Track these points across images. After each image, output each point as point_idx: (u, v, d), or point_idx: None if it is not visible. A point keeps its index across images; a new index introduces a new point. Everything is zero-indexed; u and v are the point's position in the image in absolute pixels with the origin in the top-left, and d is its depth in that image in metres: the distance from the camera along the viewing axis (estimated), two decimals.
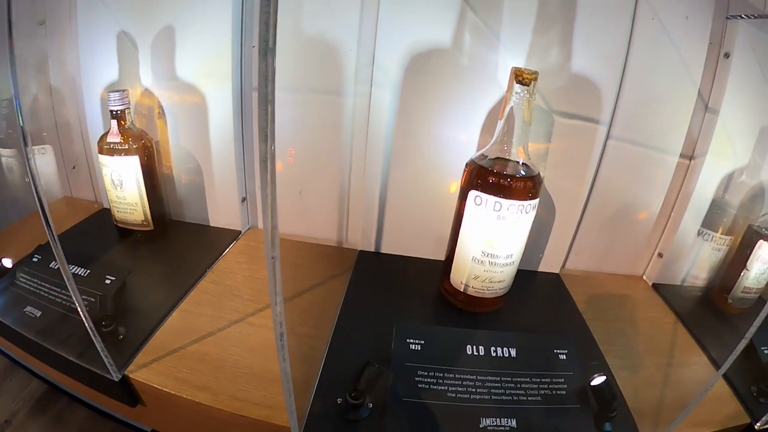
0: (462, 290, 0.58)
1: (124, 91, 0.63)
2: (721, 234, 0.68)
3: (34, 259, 0.64)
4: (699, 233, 0.69)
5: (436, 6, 0.55)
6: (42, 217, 0.35)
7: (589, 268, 0.74)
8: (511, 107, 0.50)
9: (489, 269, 0.56)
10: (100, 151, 0.65)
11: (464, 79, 0.58)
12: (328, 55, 0.61)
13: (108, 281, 0.58)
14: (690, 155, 0.65)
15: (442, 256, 0.61)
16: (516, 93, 0.49)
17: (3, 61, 0.34)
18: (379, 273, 0.66)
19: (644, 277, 0.75)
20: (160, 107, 0.69)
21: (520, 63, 0.57)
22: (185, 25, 0.63)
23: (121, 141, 0.64)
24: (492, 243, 0.54)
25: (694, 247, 0.70)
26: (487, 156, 0.54)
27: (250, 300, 0.58)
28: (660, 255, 0.72)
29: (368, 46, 0.59)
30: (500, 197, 0.51)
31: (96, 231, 0.74)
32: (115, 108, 0.62)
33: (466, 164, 0.55)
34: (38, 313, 0.54)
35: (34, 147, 0.75)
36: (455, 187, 0.62)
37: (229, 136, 0.67)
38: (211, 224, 0.75)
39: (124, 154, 0.64)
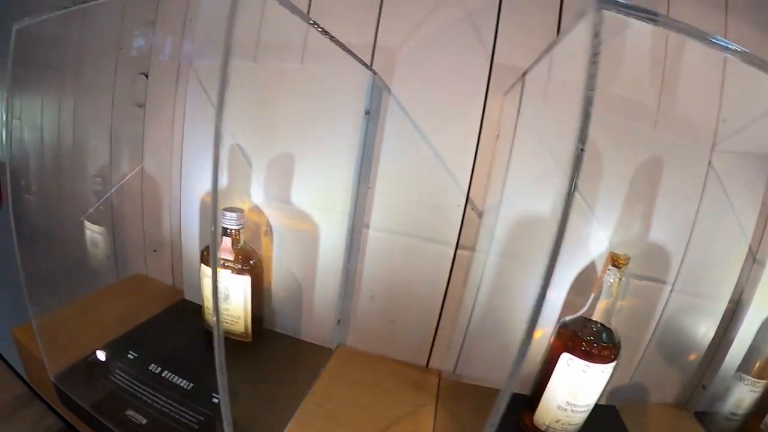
0: (543, 430, 0.64)
1: (241, 212, 0.68)
2: (755, 378, 0.76)
3: (131, 356, 0.67)
4: (735, 376, 0.77)
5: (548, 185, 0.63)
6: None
7: (641, 400, 0.81)
8: (604, 284, 0.58)
9: (570, 416, 0.62)
10: (206, 263, 0.69)
11: (565, 247, 0.66)
12: (437, 207, 0.68)
13: (216, 400, 0.61)
14: (736, 301, 0.74)
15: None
16: (610, 272, 0.57)
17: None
18: (461, 400, 0.71)
19: (686, 407, 0.83)
20: (269, 225, 0.74)
21: (608, 234, 0.65)
22: (305, 156, 0.70)
23: (233, 259, 0.68)
24: (576, 395, 0.61)
25: (732, 383, 0.78)
26: (577, 321, 0.61)
27: (356, 429, 0.62)
28: (704, 387, 0.80)
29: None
30: (589, 361, 0.58)
31: (187, 331, 0.77)
32: (230, 227, 0.68)
33: (561, 324, 0.62)
34: (143, 421, 0.56)
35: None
36: (540, 334, 0.69)
37: (336, 266, 0.73)
38: (302, 338, 0.80)
39: (236, 273, 0.69)
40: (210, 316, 0.73)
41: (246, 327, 0.72)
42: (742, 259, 0.71)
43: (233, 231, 0.68)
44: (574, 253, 0.66)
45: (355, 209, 0.70)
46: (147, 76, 0.85)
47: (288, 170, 0.72)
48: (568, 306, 0.67)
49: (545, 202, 0.65)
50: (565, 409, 0.62)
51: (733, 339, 0.74)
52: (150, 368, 0.66)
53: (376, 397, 0.68)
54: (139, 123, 0.87)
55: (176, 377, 0.64)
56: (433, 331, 0.75)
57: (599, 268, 0.67)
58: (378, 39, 0.67)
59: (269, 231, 0.75)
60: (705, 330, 0.76)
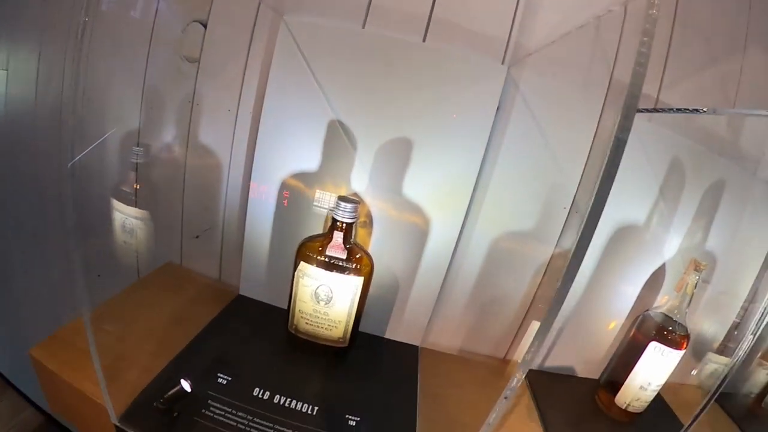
0: (624, 408, 0.73)
1: (358, 203, 0.61)
2: None
3: (221, 381, 0.57)
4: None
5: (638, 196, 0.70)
6: None
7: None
8: (686, 284, 0.68)
9: (648, 395, 0.72)
10: (307, 260, 0.61)
11: (644, 249, 0.74)
12: (545, 207, 0.70)
13: (352, 422, 0.55)
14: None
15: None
16: (693, 275, 0.67)
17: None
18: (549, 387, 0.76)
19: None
20: (369, 216, 0.68)
21: (679, 241, 0.75)
22: (423, 145, 0.65)
23: (346, 258, 0.62)
24: (656, 377, 0.71)
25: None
26: (658, 315, 0.71)
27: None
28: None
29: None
30: (673, 348, 0.68)
31: (270, 339, 0.68)
32: (344, 220, 0.60)
33: (643, 317, 0.71)
34: None
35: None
36: (614, 324, 0.77)
37: (441, 264, 0.70)
38: (387, 336, 0.76)
39: (349, 273, 0.61)
40: (303, 321, 0.65)
41: (345, 332, 0.65)
42: (760, 263, 0.86)
43: (346, 225, 0.61)
44: (651, 255, 0.75)
45: (470, 207, 0.68)
46: (205, 25, 0.69)
47: (403, 158, 0.66)
48: (640, 300, 0.77)
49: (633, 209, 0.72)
50: (645, 389, 0.71)
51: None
52: (255, 394, 0.56)
53: (478, 394, 0.68)
54: (187, 82, 0.70)
55: (293, 401, 0.55)
56: (517, 326, 0.79)
57: (667, 270, 0.77)
58: (512, 35, 0.65)
59: (368, 222, 0.69)
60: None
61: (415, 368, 0.71)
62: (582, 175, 0.70)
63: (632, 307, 0.77)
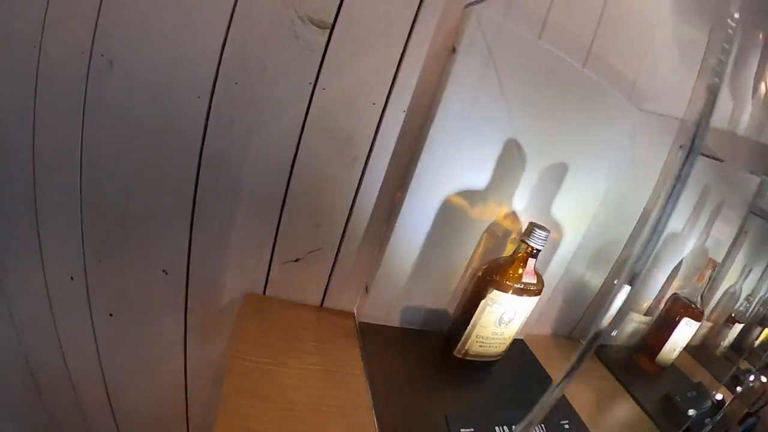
0: (665, 367, 0.95)
1: (548, 231, 0.61)
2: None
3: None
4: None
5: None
6: None
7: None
8: (705, 277, 0.92)
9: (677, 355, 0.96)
10: (501, 288, 0.60)
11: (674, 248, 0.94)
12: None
13: (566, 425, 0.60)
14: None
15: None
16: (709, 271, 0.91)
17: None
18: None
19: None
20: (520, 233, 0.68)
21: (693, 242, 0.98)
22: (577, 167, 0.68)
23: (535, 282, 0.62)
24: (682, 342, 0.95)
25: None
26: (683, 296, 0.93)
27: None
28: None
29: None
30: (697, 321, 0.92)
31: (439, 366, 0.64)
32: (539, 246, 0.61)
33: (674, 298, 0.93)
34: None
35: None
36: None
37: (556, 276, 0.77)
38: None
39: (531, 295, 0.62)
40: (477, 345, 0.63)
41: (507, 346, 0.67)
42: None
43: (537, 251, 0.61)
44: (673, 254, 0.97)
45: (588, 228, 0.75)
46: None
47: (558, 179, 0.68)
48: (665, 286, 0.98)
49: None
50: (675, 351, 0.94)
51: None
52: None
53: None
54: (308, 56, 0.54)
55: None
56: None
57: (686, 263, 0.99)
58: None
59: (517, 239, 0.69)
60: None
61: (531, 355, 0.78)
62: None
63: (660, 290, 0.98)
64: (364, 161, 0.60)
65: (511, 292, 0.60)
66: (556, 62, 0.60)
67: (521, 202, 0.67)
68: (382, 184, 0.62)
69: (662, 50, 0.70)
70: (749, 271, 1.11)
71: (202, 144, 0.56)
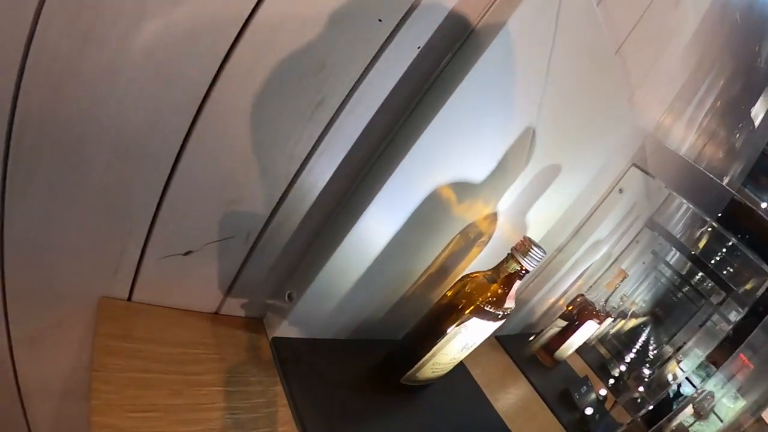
0: (560, 362, 1.00)
1: (545, 252, 0.50)
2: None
3: None
4: None
5: None
6: None
7: None
8: (614, 285, 0.98)
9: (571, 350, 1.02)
10: (480, 315, 0.48)
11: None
12: None
13: None
14: None
15: None
16: (618, 280, 0.97)
17: None
18: None
19: None
20: (490, 237, 0.56)
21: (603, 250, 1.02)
22: (564, 178, 0.58)
23: (513, 307, 0.51)
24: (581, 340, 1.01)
25: None
26: (587, 299, 0.98)
27: None
28: None
29: None
30: (599, 323, 0.98)
31: (379, 391, 0.50)
32: (532, 268, 0.49)
33: (578, 295, 0.97)
34: None
35: None
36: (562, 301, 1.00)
37: None
38: None
39: (501, 320, 0.52)
40: (430, 371, 0.51)
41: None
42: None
43: (525, 273, 0.49)
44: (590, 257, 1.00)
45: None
46: None
47: (546, 183, 0.56)
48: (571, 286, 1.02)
49: None
50: (572, 348, 0.99)
51: None
52: None
53: None
54: None
55: None
56: None
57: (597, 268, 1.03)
58: None
59: (485, 242, 0.57)
60: None
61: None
62: None
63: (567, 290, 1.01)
64: (334, 112, 0.37)
65: (489, 319, 0.48)
66: (599, 42, 0.46)
67: (504, 204, 0.54)
68: (350, 151, 0.41)
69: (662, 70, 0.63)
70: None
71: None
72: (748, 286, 1.17)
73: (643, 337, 1.73)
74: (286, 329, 0.47)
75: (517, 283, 0.49)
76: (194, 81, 0.31)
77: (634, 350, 1.56)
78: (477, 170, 0.47)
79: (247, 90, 0.32)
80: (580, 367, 1.13)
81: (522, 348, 0.97)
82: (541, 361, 0.97)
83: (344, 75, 0.34)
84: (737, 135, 1.26)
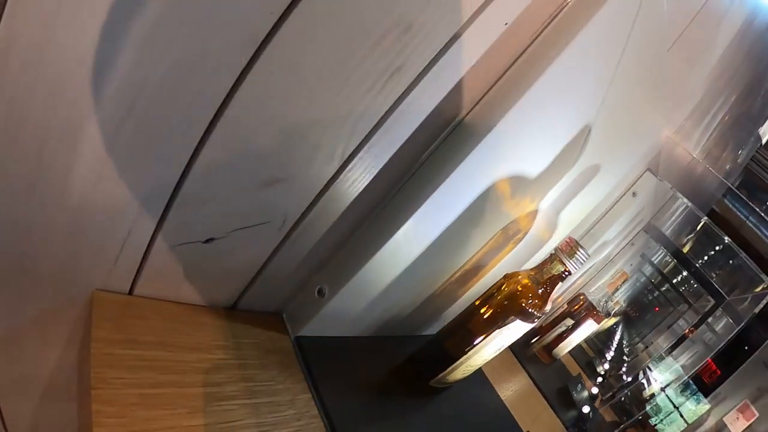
0: (558, 358, 1.01)
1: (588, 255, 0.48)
2: None
3: None
4: None
5: None
6: None
7: None
8: (615, 286, 0.98)
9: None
10: (525, 317, 0.45)
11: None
12: None
13: None
14: None
15: None
16: (620, 283, 0.98)
17: None
18: None
19: None
20: (525, 234, 0.53)
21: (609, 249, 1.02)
22: (601, 174, 0.56)
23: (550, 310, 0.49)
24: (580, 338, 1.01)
25: None
26: (590, 299, 0.99)
27: None
28: None
29: None
30: (598, 323, 0.99)
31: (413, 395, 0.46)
32: (574, 271, 0.47)
33: (579, 294, 0.97)
34: None
35: None
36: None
37: None
38: None
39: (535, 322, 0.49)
40: (460, 373, 0.48)
41: None
42: None
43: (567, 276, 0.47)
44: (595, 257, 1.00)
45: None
46: None
47: (583, 184, 0.54)
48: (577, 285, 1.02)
49: None
50: (570, 347, 1.00)
51: None
52: None
53: None
54: None
55: None
56: None
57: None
58: None
59: (520, 240, 0.54)
60: None
61: None
62: None
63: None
64: (407, 86, 0.31)
65: (530, 321, 0.45)
66: (659, 44, 0.43)
67: (545, 202, 0.51)
68: (413, 134, 0.35)
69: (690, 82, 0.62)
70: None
71: None
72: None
73: (617, 336, 1.79)
74: (312, 327, 0.43)
75: (559, 285, 0.46)
76: (249, 22, 0.24)
77: (612, 349, 1.61)
78: (533, 166, 0.43)
79: (314, 39, 0.26)
80: (571, 365, 1.15)
81: (524, 345, 0.97)
82: (540, 358, 0.97)
83: (429, 41, 0.28)
84: (740, 152, 1.29)
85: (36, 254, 0.29)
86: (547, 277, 0.46)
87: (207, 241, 0.35)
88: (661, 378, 1.31)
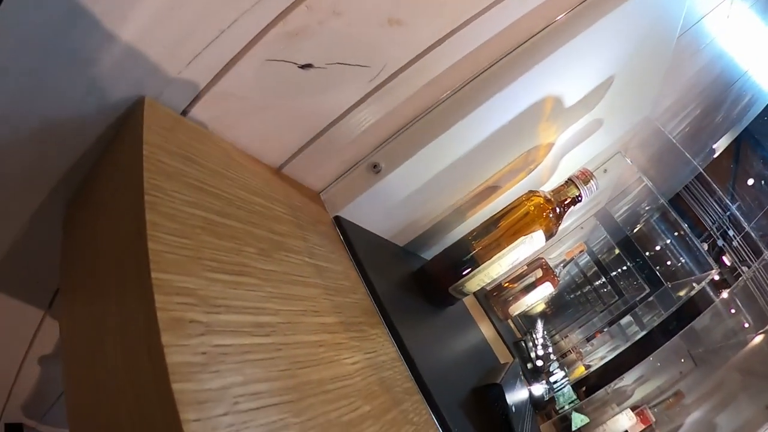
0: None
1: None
2: None
3: None
4: None
5: None
6: None
7: None
8: (572, 255, 1.10)
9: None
10: (547, 229, 0.50)
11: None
12: None
13: None
14: None
15: None
16: (577, 253, 1.10)
17: None
18: None
19: None
20: (536, 164, 0.58)
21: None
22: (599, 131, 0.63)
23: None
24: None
25: None
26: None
27: None
28: None
29: None
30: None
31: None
32: (586, 198, 0.53)
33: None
34: None
35: None
36: None
37: None
38: None
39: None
40: (476, 284, 0.51)
41: None
42: None
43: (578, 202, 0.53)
44: None
45: None
46: None
47: (586, 135, 0.61)
48: None
49: None
50: (525, 306, 1.09)
51: None
52: None
53: None
54: None
55: None
56: None
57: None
58: None
59: (532, 170, 0.60)
60: None
61: None
62: None
63: None
64: None
65: (547, 236, 0.50)
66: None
67: (561, 138, 0.56)
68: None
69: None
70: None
71: None
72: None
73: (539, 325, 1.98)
74: (354, 208, 0.43)
75: (570, 210, 0.52)
76: None
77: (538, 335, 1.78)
78: (573, 94, 0.48)
79: None
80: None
81: (485, 298, 1.05)
82: (497, 313, 1.05)
83: None
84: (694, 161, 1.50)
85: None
86: (563, 198, 0.51)
87: (304, 67, 0.32)
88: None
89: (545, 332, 1.99)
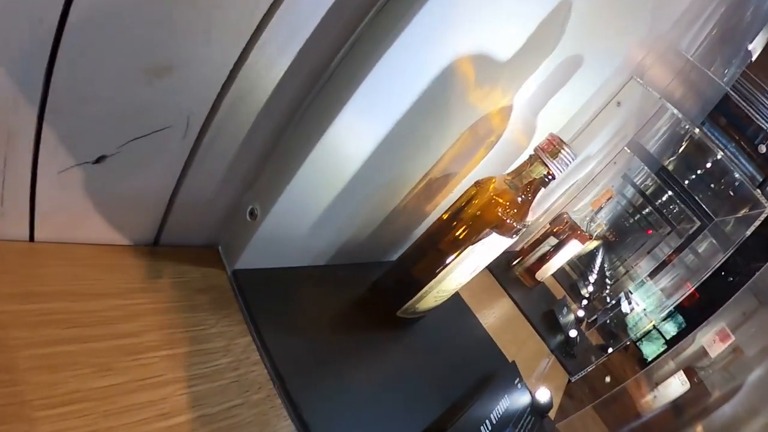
0: (542, 280, 0.99)
1: (575, 156, 0.42)
2: None
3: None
4: None
5: None
6: None
7: None
8: (599, 205, 0.94)
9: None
10: (503, 230, 0.40)
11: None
12: None
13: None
14: None
15: None
16: (605, 201, 0.94)
17: None
18: None
19: None
20: (499, 136, 0.46)
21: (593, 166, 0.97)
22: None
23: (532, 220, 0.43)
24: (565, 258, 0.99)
25: None
26: (570, 218, 0.95)
27: None
28: None
29: None
30: (582, 243, 0.96)
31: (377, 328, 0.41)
32: (558, 175, 0.41)
33: (563, 213, 0.93)
34: None
35: None
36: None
37: None
38: None
39: (516, 236, 0.44)
40: (432, 299, 0.42)
41: None
42: None
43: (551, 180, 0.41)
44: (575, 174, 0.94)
45: None
46: None
47: (564, 79, 0.47)
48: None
49: None
50: (554, 268, 0.97)
51: None
52: None
53: None
54: None
55: None
56: None
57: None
58: None
59: (493, 143, 0.47)
60: None
61: None
62: None
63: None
64: None
65: (509, 234, 0.39)
66: None
67: (521, 97, 0.43)
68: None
69: None
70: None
71: None
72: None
73: (599, 260, 1.80)
74: (250, 257, 0.36)
75: (541, 192, 0.40)
76: None
77: (595, 272, 1.62)
78: (504, 44, 0.35)
79: None
80: (555, 288, 1.14)
81: (505, 268, 0.94)
82: (523, 282, 0.94)
83: None
84: (725, 70, 1.21)
85: None
86: (526, 182, 0.39)
87: (98, 161, 0.27)
88: (641, 302, 1.32)
89: (606, 267, 1.82)
